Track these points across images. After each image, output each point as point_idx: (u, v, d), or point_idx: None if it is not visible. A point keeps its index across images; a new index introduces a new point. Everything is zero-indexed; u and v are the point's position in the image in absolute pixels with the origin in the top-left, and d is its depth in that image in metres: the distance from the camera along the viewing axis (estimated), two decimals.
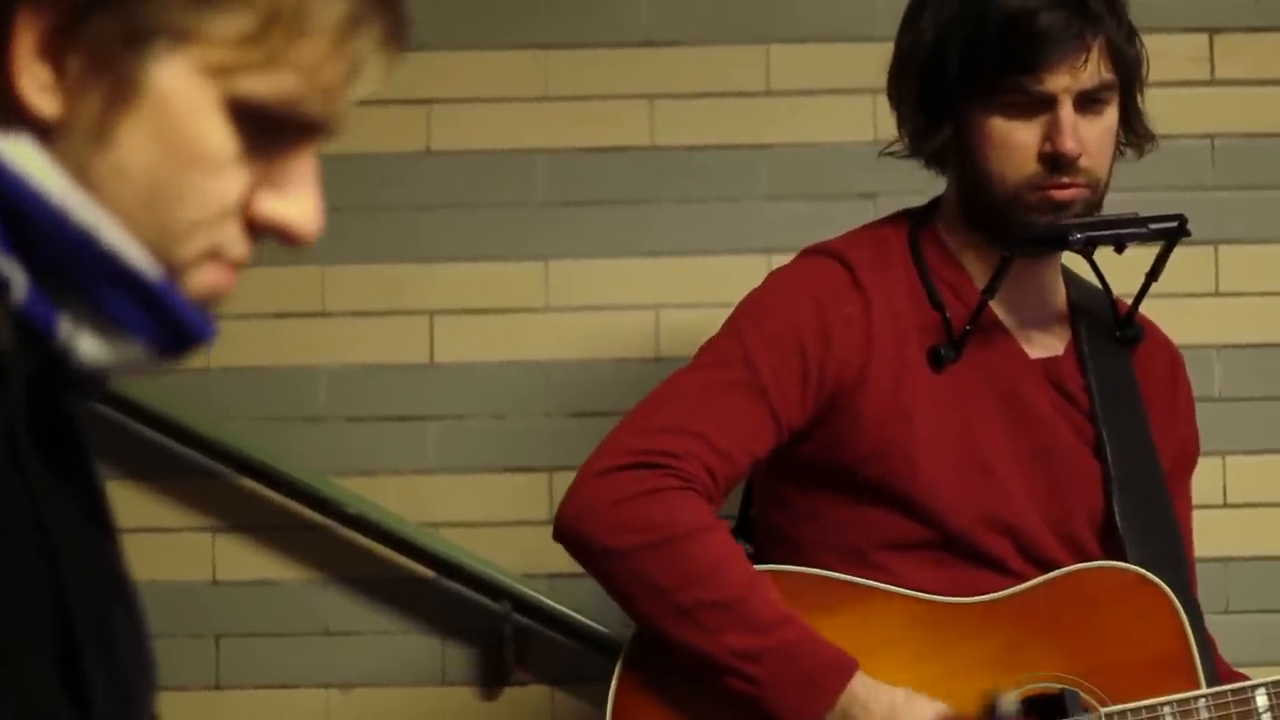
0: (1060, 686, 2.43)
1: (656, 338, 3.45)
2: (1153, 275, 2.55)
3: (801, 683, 2.34)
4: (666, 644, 2.40)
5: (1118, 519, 2.53)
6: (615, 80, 3.49)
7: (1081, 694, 2.43)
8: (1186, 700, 2.42)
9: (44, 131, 1.06)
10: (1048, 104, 2.43)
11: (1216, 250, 3.46)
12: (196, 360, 1.15)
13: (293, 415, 3.45)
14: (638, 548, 2.38)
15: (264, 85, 1.09)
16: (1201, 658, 2.47)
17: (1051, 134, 2.43)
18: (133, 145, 1.07)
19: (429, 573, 3.40)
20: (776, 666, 2.34)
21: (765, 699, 2.35)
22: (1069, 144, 2.42)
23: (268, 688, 3.42)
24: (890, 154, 2.62)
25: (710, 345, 2.54)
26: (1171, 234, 2.47)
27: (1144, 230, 2.45)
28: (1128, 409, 2.60)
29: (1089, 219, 2.44)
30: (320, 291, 3.45)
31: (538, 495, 3.41)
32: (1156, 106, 2.62)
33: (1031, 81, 2.42)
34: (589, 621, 3.29)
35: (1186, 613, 2.47)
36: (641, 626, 2.44)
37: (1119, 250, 2.44)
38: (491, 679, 3.40)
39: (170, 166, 1.08)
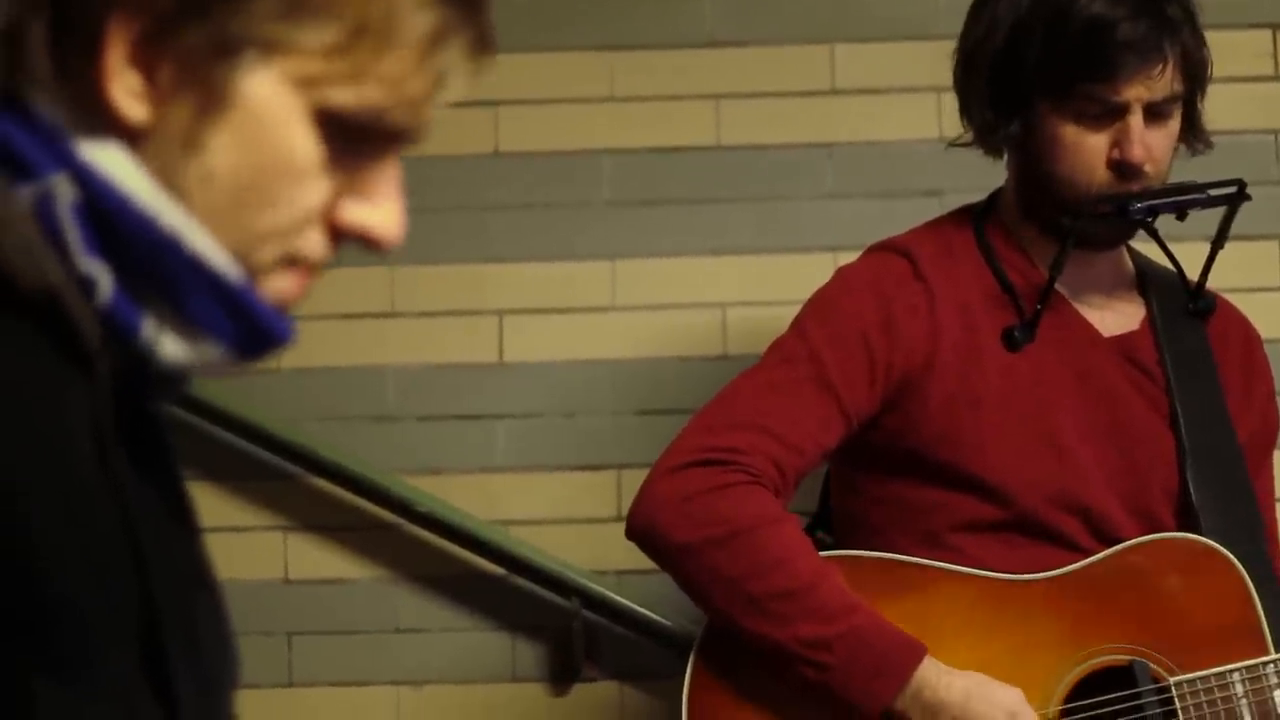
0: (1129, 658, 2.44)
1: (723, 336, 3.46)
2: (1218, 243, 2.56)
3: (872, 668, 2.37)
4: (739, 635, 2.43)
5: (1191, 491, 2.54)
6: (680, 80, 3.50)
7: (1151, 664, 2.44)
8: (1255, 666, 2.44)
9: (132, 137, 1.08)
10: (1119, 112, 2.45)
11: None
12: (267, 361, 1.17)
13: (363, 415, 3.47)
14: (707, 541, 2.41)
15: (350, 96, 1.11)
16: (1271, 624, 2.47)
17: (1121, 142, 2.45)
18: (221, 152, 1.09)
19: (499, 570, 3.41)
20: (846, 653, 2.36)
21: (836, 685, 2.38)
22: (1138, 153, 2.44)
23: (340, 685, 3.44)
24: (958, 145, 2.63)
25: (776, 344, 2.58)
26: (1232, 199, 2.49)
27: (1203, 196, 2.48)
28: (1203, 381, 2.60)
29: (1148, 189, 2.46)
30: (390, 292, 3.47)
31: (606, 493, 3.42)
32: (1220, 103, 2.62)
33: (1108, 91, 2.43)
34: (658, 617, 3.30)
35: (1259, 580, 2.48)
36: (714, 619, 2.47)
37: (1180, 218, 2.47)
38: (561, 675, 3.41)
39: (257, 174, 1.10)
